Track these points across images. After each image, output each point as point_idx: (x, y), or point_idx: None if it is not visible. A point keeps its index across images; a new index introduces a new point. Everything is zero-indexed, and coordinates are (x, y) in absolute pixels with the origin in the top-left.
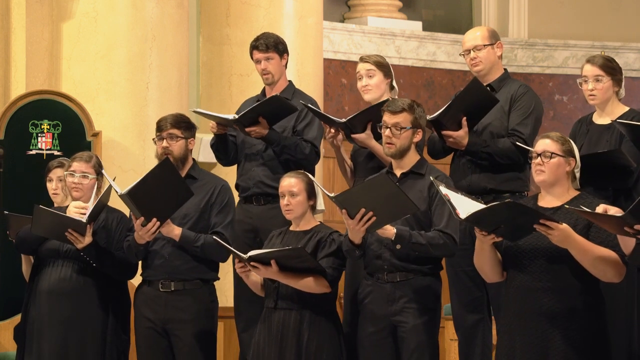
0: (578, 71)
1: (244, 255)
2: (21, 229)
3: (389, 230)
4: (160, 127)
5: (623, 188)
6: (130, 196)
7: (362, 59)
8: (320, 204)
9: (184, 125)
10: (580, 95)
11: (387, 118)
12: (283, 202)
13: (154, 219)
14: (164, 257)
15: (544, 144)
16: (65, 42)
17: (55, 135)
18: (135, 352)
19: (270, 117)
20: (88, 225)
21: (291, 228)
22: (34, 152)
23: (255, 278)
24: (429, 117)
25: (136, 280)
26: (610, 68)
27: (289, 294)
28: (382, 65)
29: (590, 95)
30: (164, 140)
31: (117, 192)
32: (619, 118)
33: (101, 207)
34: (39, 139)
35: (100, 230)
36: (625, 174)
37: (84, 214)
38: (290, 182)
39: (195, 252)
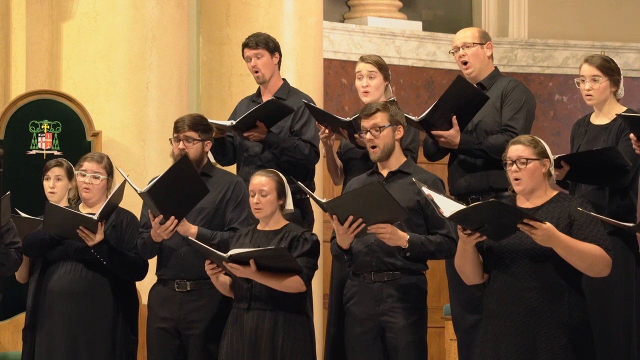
0: (578, 71)
1: (224, 255)
2: (28, 234)
3: (401, 239)
4: (177, 128)
5: (619, 187)
6: (151, 194)
7: (362, 59)
8: (289, 204)
9: (201, 128)
10: (581, 95)
11: (365, 122)
12: (253, 200)
13: (172, 217)
14: (180, 256)
15: (517, 150)
16: (65, 42)
17: (55, 135)
18: (143, 352)
19: (267, 120)
20: (100, 223)
21: (259, 227)
22: (33, 152)
23: (224, 279)
24: (417, 118)
25: (145, 281)
26: (608, 68)
27: (263, 295)
28: (383, 68)
29: (587, 95)
30: (181, 142)
31: (136, 190)
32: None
33: (112, 206)
34: (39, 139)
35: (111, 230)
36: (621, 173)
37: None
38: (260, 181)
39: None
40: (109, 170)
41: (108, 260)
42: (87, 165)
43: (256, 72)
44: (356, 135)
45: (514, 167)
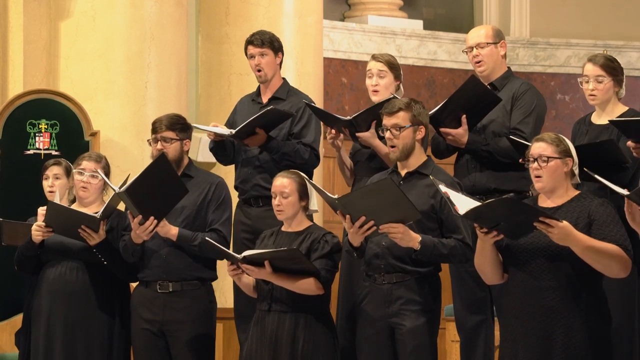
0: (580, 70)
1: (238, 256)
2: (17, 251)
3: (413, 241)
4: (155, 128)
5: (619, 184)
6: (128, 194)
7: (374, 57)
8: (313, 205)
9: (179, 127)
10: (582, 95)
11: (386, 121)
12: (275, 202)
13: (152, 218)
14: (162, 257)
15: (539, 148)
16: (63, 41)
17: (53, 134)
18: (132, 353)
19: (266, 126)
20: (102, 222)
21: (283, 228)
22: (31, 151)
23: (247, 280)
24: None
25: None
26: (612, 68)
27: (283, 296)
28: (394, 67)
29: (591, 95)
30: (159, 143)
31: (114, 190)
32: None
33: (112, 208)
34: (37, 138)
35: (108, 231)
36: (620, 170)
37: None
38: (282, 183)
39: (193, 251)
40: (107, 171)
41: (109, 259)
42: (85, 164)
43: (259, 70)
44: (358, 134)
45: (535, 164)
